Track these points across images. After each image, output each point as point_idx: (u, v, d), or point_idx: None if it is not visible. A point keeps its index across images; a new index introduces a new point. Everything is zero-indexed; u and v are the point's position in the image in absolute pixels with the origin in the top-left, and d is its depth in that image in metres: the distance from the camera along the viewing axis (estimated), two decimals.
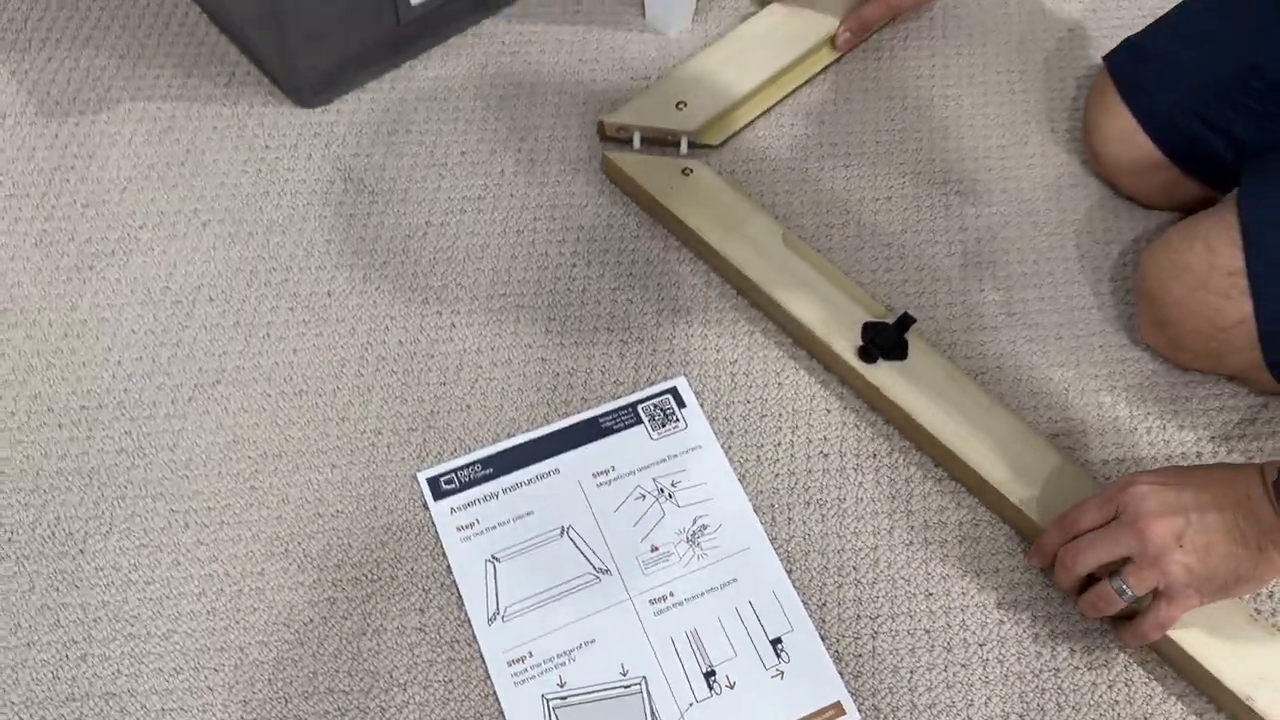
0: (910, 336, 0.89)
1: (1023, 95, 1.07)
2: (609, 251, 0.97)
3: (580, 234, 0.98)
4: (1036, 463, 0.84)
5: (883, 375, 0.88)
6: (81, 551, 0.81)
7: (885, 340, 0.89)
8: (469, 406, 0.89)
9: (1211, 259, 0.83)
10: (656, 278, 0.96)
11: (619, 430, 0.88)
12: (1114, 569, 0.75)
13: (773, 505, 0.85)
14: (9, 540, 0.81)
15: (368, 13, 0.99)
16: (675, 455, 0.87)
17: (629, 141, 1.00)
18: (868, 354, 0.88)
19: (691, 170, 0.97)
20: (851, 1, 1.06)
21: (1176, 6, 0.96)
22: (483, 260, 0.97)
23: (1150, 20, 0.98)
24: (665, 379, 0.91)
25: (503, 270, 0.96)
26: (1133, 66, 0.95)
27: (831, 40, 1.06)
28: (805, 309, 0.90)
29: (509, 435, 0.87)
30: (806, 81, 1.06)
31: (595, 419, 0.88)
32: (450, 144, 1.03)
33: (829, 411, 0.90)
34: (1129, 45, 0.97)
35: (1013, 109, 1.06)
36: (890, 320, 0.90)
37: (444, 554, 0.82)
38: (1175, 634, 0.75)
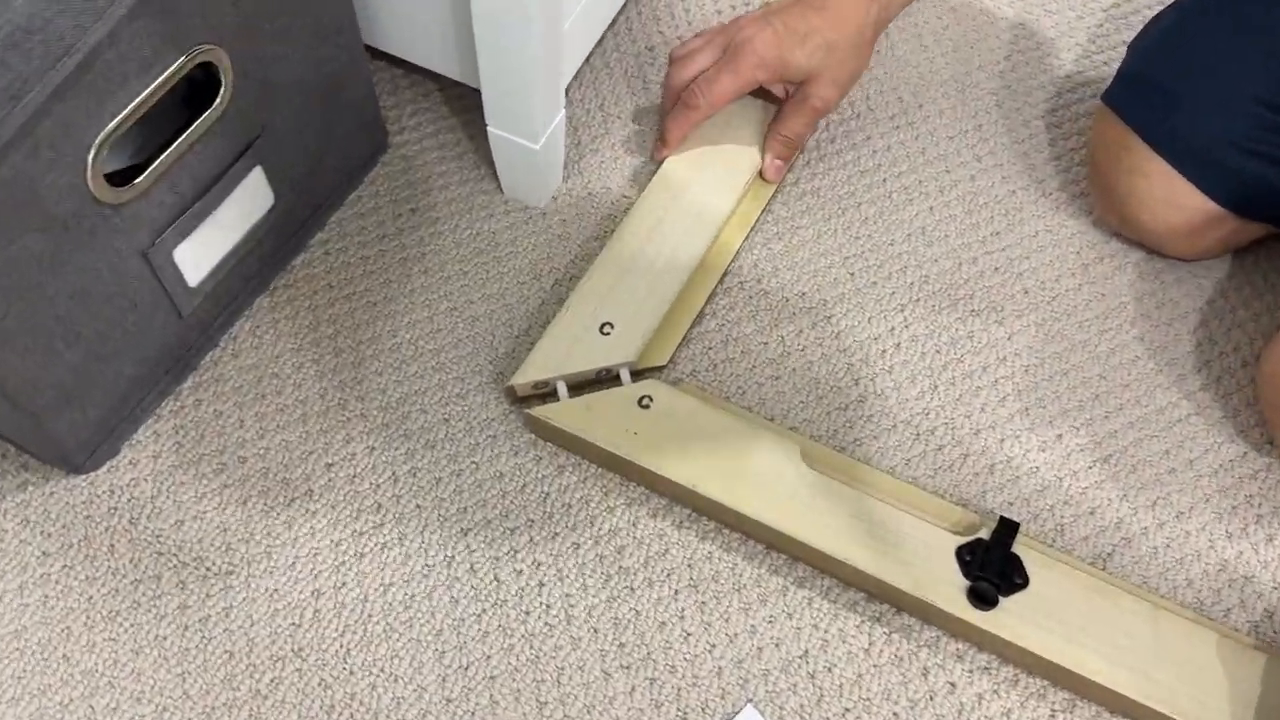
0: (1019, 547, 0.66)
1: (990, 160, 0.85)
2: (576, 546, 0.70)
3: (521, 534, 0.70)
4: (1246, 677, 0.62)
5: (1008, 619, 0.64)
6: None
7: (992, 566, 0.65)
8: None
9: None
10: (649, 565, 0.69)
11: None
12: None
13: None
14: None
15: (138, 326, 0.68)
16: None
17: (552, 393, 0.73)
18: (983, 597, 0.64)
19: (650, 399, 0.71)
20: (761, 121, 0.82)
21: (1163, 29, 0.76)
22: (419, 663, 0.68)
23: (1105, 45, 0.77)
24: (727, 717, 0.65)
25: (448, 663, 0.68)
26: (1154, 108, 0.74)
27: (760, 174, 0.81)
28: (876, 560, 0.65)
29: None
30: (746, 238, 0.81)
31: None
32: (299, 457, 0.73)
33: (953, 687, 0.65)
34: (1136, 82, 0.76)
35: (988, 182, 0.84)
36: (985, 533, 0.66)
37: None
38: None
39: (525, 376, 0.72)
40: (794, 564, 0.69)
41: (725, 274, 0.79)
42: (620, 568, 0.69)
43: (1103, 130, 0.78)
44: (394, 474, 0.72)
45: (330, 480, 0.72)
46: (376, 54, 0.83)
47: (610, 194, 0.83)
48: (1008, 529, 0.66)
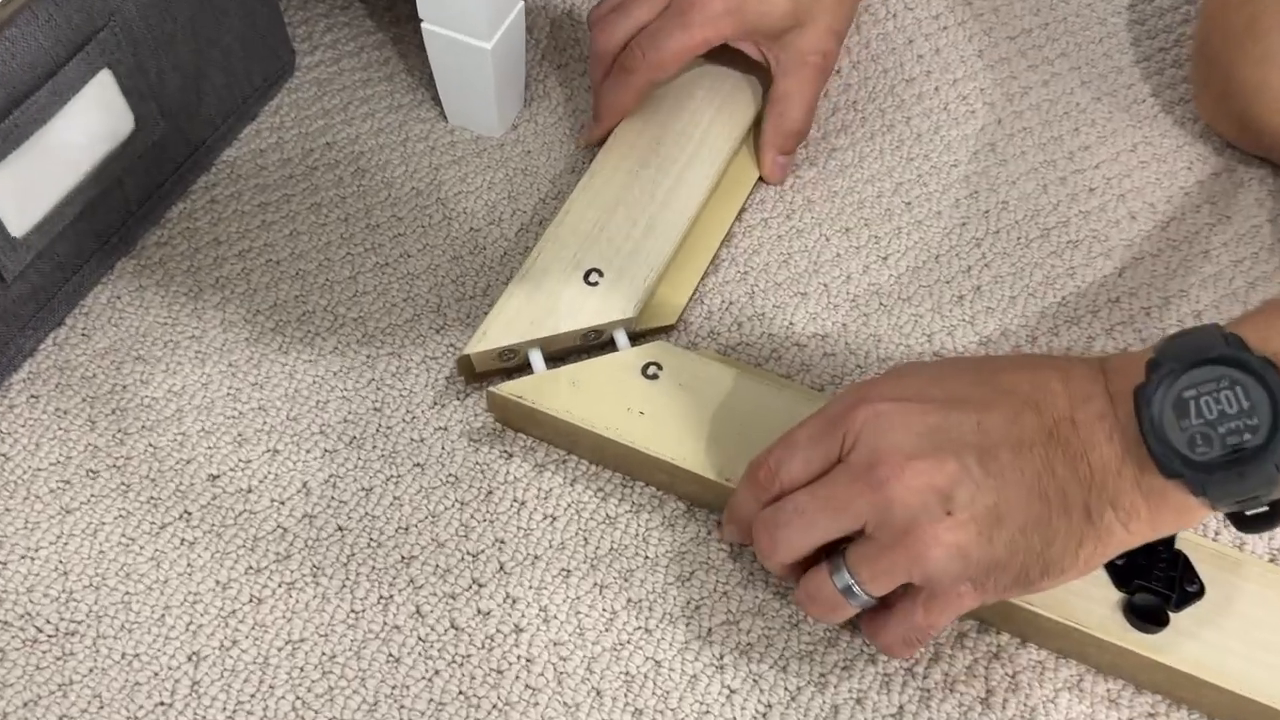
0: (1182, 544, 0.47)
1: (1063, 63, 0.67)
2: (566, 574, 0.50)
3: (487, 560, 0.50)
4: None
5: (1185, 644, 0.45)
6: None
7: (1157, 570, 0.46)
8: None
9: None
10: (667, 596, 0.49)
11: None
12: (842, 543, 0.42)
13: None
14: None
15: None
16: None
17: (523, 367, 0.53)
18: (1148, 614, 0.45)
19: (658, 368, 0.52)
20: (737, 94, 0.61)
21: None
22: None
23: None
24: None
25: None
26: None
27: (759, 176, 0.61)
28: None
29: None
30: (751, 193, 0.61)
31: None
32: (172, 467, 0.52)
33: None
34: None
35: (1064, 88, 0.66)
36: None
37: None
38: None
39: (486, 342, 0.52)
40: None
41: (744, 208, 0.60)
42: (628, 600, 0.49)
43: (1219, 9, 0.61)
44: (305, 485, 0.52)
45: (214, 498, 0.51)
46: None
47: (587, 119, 0.64)
48: None
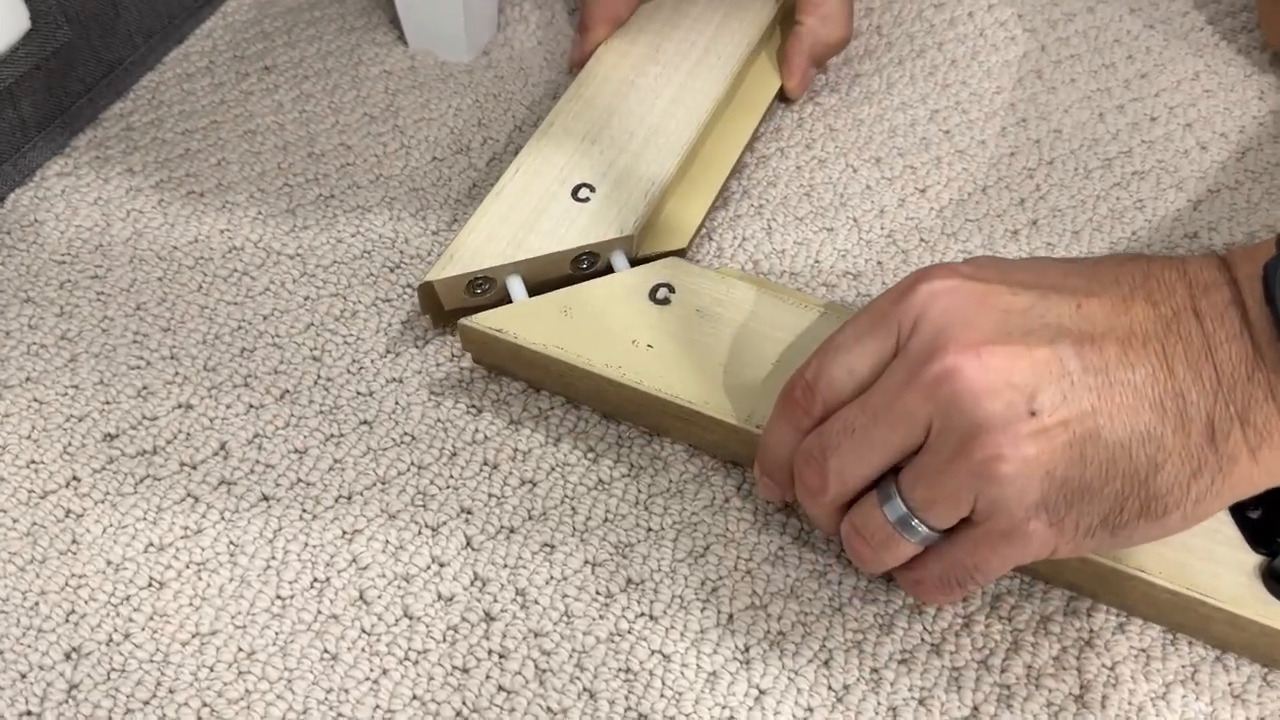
0: None
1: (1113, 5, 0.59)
2: (549, 549, 0.40)
3: (451, 532, 0.40)
4: None
5: None
6: None
7: None
8: None
9: None
10: (675, 576, 0.39)
11: None
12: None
13: None
14: None
15: None
16: None
17: (502, 301, 0.44)
18: None
19: (670, 290, 0.42)
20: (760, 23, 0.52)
21: None
22: None
23: None
24: None
25: None
26: None
27: (781, 93, 0.52)
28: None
29: None
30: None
31: None
32: (64, 423, 0.42)
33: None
34: None
35: (1112, 14, 0.58)
36: None
37: None
38: None
39: (455, 267, 0.42)
40: None
41: (756, 135, 0.51)
42: (627, 580, 0.39)
43: None
44: (223, 445, 0.42)
45: (110, 460, 0.41)
46: None
47: (569, 41, 0.55)
48: None
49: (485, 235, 0.43)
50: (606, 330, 0.41)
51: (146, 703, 0.36)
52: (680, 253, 0.46)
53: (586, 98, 0.48)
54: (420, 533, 0.40)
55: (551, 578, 0.39)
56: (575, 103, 0.47)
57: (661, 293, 0.42)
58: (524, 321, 0.41)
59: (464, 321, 0.41)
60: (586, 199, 0.44)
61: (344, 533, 0.40)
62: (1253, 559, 0.36)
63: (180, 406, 0.43)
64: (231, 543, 0.39)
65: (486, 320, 0.41)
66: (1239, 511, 0.37)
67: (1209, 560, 0.36)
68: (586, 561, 0.39)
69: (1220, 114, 0.54)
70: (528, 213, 0.44)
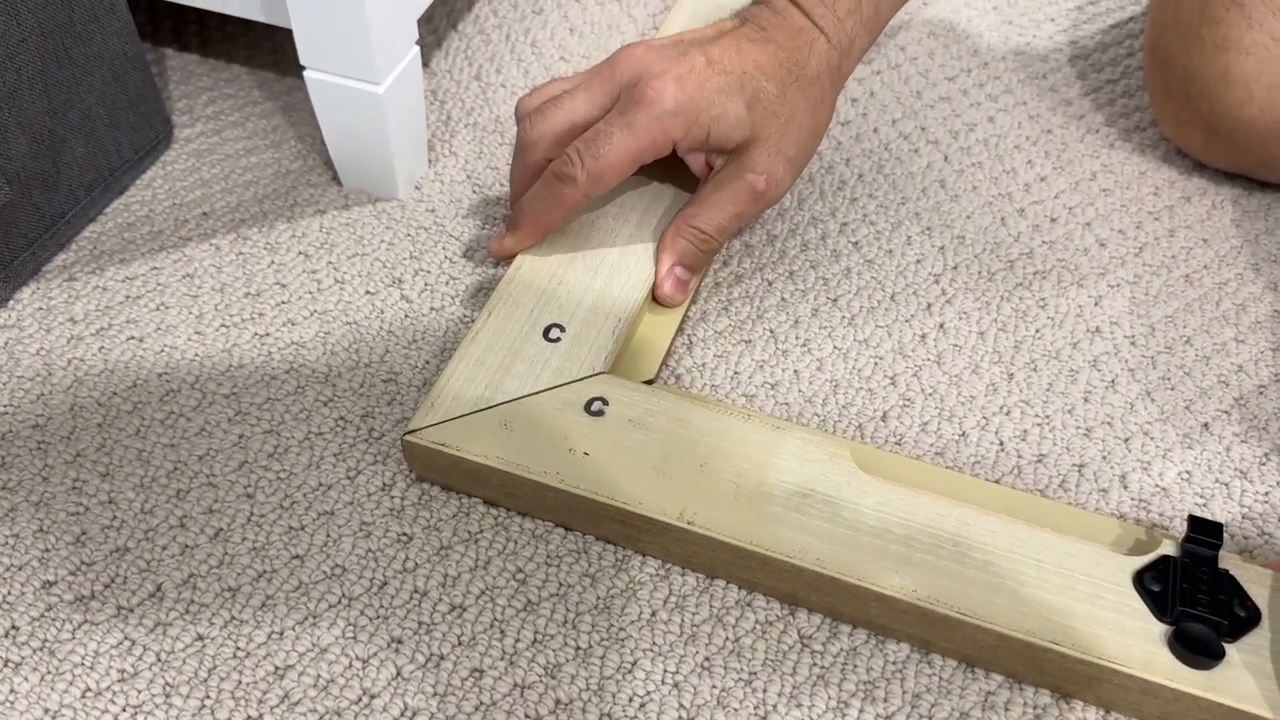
0: (1227, 563, 0.39)
1: (1008, 99, 0.63)
2: (476, 673, 0.40)
3: (382, 663, 0.41)
4: None
5: (1242, 678, 0.37)
6: None
7: (1202, 594, 0.38)
8: None
9: None
10: (612, 696, 0.40)
11: None
12: None
13: None
14: None
15: None
16: None
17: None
18: (1199, 645, 0.37)
19: (604, 403, 0.44)
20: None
21: None
22: None
23: None
24: None
25: None
26: None
27: (653, 293, 0.50)
28: (1013, 610, 0.38)
29: None
30: None
31: None
32: None
33: None
34: None
35: (1012, 123, 0.61)
36: (1170, 548, 0.40)
37: None
38: None
39: (435, 416, 0.44)
40: (875, 638, 0.41)
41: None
42: (556, 703, 0.40)
43: (1169, 6, 0.57)
44: (158, 587, 0.43)
45: (49, 606, 0.42)
46: (160, 33, 0.59)
47: (500, 176, 0.58)
48: (1206, 532, 0.40)
49: (461, 382, 0.45)
50: (545, 441, 0.42)
51: None
52: (649, 382, 0.47)
53: (549, 240, 0.50)
54: (350, 665, 0.41)
55: (480, 704, 0.40)
56: (538, 248, 0.50)
57: (596, 405, 0.44)
58: (466, 436, 0.43)
59: (408, 436, 0.43)
60: (558, 339, 0.46)
61: (275, 669, 0.41)
62: (1159, 628, 0.37)
63: (117, 550, 0.44)
64: (167, 684, 0.40)
65: (430, 436, 0.43)
66: (1144, 589, 0.38)
67: (1118, 631, 0.37)
68: (515, 685, 0.40)
69: (1118, 211, 0.57)
70: (502, 357, 0.46)
